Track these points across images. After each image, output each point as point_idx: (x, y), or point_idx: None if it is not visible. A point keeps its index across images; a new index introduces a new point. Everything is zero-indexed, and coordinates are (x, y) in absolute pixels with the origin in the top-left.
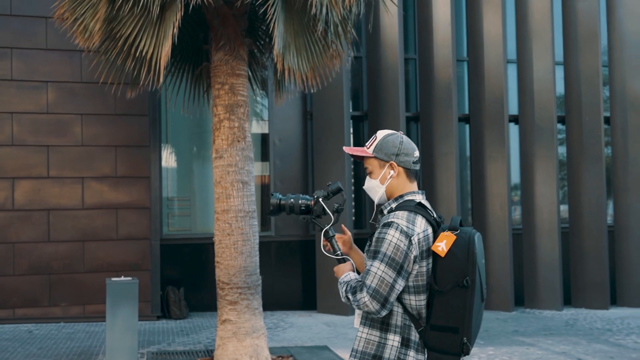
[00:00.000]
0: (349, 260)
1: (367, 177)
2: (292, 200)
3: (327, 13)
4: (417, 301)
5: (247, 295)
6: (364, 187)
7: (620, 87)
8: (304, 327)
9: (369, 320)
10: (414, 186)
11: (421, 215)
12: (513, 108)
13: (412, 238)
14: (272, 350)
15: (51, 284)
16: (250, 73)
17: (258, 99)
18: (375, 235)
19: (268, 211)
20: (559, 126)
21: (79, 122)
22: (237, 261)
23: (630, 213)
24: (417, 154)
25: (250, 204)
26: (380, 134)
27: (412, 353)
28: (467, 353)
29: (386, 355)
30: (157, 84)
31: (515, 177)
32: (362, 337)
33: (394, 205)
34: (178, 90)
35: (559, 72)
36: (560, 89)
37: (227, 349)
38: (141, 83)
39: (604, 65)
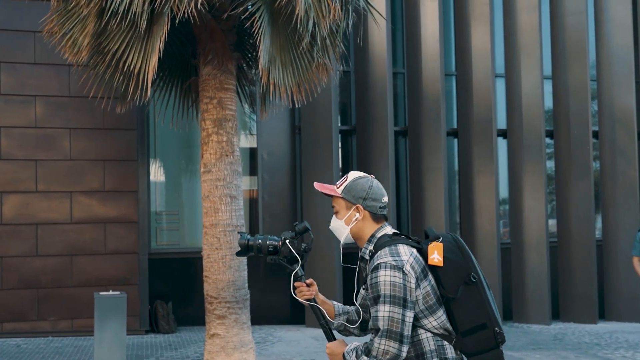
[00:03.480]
0: (333, 330)
1: (334, 217)
2: (259, 241)
3: (313, 27)
4: (436, 320)
5: (235, 309)
6: (330, 227)
7: (608, 101)
8: (292, 341)
9: None
10: (379, 225)
11: (400, 243)
12: (501, 122)
13: (403, 269)
14: None
15: (40, 299)
16: (238, 87)
17: (246, 113)
18: (368, 282)
19: (236, 252)
20: (548, 140)
21: (68, 137)
22: (226, 275)
23: (619, 227)
24: (385, 199)
25: (238, 218)
26: (352, 175)
27: None
28: (504, 341)
29: None
30: (145, 98)
31: (504, 192)
32: None
33: (371, 247)
34: (167, 105)
35: (548, 87)
36: (548, 103)
37: None
38: (129, 97)
39: (592, 79)
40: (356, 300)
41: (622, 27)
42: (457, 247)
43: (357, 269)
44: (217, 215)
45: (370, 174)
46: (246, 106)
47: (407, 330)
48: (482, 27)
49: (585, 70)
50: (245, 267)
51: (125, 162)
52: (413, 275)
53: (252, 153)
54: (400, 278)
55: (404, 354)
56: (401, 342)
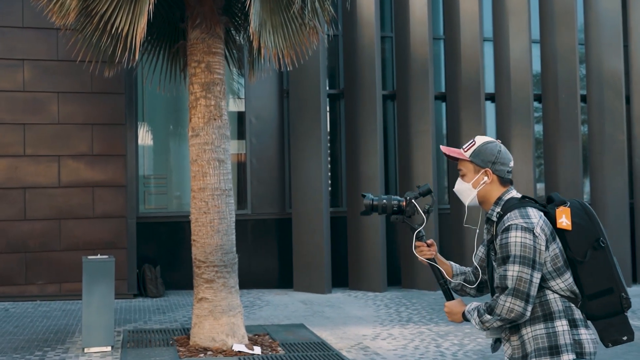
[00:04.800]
0: (452, 287)
1: (459, 179)
2: (384, 201)
3: None
4: (564, 282)
5: (223, 273)
6: (454, 189)
7: (596, 65)
8: (280, 305)
9: (529, 320)
10: (506, 189)
11: (529, 206)
12: (489, 86)
13: (534, 231)
14: (248, 328)
15: (27, 263)
16: (227, 51)
17: (234, 77)
18: (498, 243)
19: (360, 212)
20: (536, 104)
21: (56, 100)
22: (214, 239)
23: (607, 191)
24: (512, 164)
25: (226, 182)
26: (479, 139)
27: (583, 330)
28: (630, 306)
29: (561, 341)
30: (133, 61)
31: None
32: (528, 336)
33: (498, 210)
34: (155, 69)
35: (536, 50)
36: (536, 67)
37: (204, 327)
38: (117, 61)
39: (580, 43)
40: (474, 261)
41: None
42: (584, 212)
43: (477, 230)
44: (205, 179)
45: (497, 140)
46: (234, 70)
47: (534, 291)
48: None
49: (573, 34)
50: (234, 231)
51: (113, 126)
52: (543, 237)
53: (240, 117)
54: (530, 240)
55: (528, 314)
56: (527, 302)
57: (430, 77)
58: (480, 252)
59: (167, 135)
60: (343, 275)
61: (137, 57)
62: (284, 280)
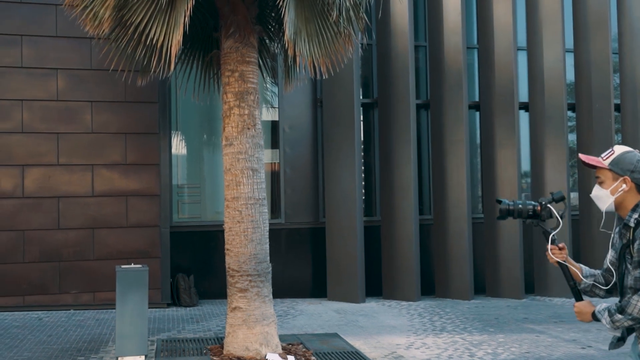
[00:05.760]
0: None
1: (597, 186)
2: (520, 205)
3: None
4: None
5: (257, 282)
6: (591, 195)
7: (630, 74)
8: (314, 314)
9: None
10: None
11: None
12: (523, 95)
13: None
14: (282, 337)
15: (61, 272)
16: (260, 60)
17: (268, 86)
18: (635, 247)
19: (497, 217)
20: (569, 113)
21: (89, 110)
22: (247, 249)
23: None
24: None
25: (260, 191)
26: (618, 149)
27: None
28: None
29: None
30: (168, 72)
31: (525, 165)
32: None
33: (636, 216)
34: (188, 78)
35: (569, 60)
36: (570, 76)
37: (237, 337)
38: (152, 71)
39: (614, 52)
40: (606, 263)
41: None
42: None
43: (612, 234)
44: (239, 188)
45: (635, 149)
46: (268, 79)
47: None
48: None
49: (607, 43)
50: (267, 240)
51: (146, 135)
52: None
53: (274, 126)
54: None
55: None
56: None
57: (464, 86)
58: (611, 255)
59: (201, 145)
60: (377, 285)
61: (172, 68)
62: (318, 289)
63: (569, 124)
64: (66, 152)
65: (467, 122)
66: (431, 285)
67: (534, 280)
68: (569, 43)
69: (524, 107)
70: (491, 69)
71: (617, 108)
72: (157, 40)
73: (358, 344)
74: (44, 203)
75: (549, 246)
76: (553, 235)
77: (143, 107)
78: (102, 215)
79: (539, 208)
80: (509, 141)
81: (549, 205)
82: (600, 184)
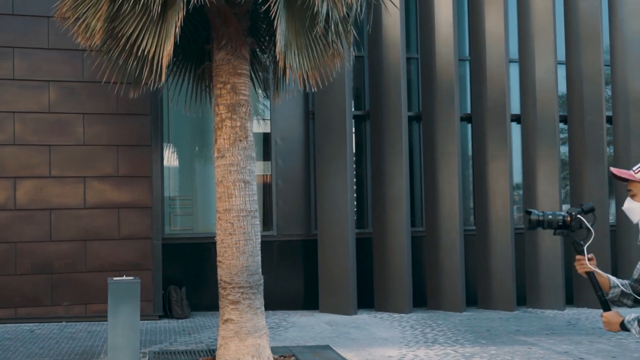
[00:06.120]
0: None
1: (628, 199)
2: (550, 216)
3: (327, 12)
4: None
5: (249, 294)
6: (623, 208)
7: (622, 86)
8: (306, 326)
9: None
10: None
11: None
12: (515, 107)
13: None
14: (274, 349)
15: (53, 284)
16: (252, 72)
17: (260, 98)
18: None
19: (527, 227)
20: (561, 125)
21: (81, 122)
22: (239, 261)
23: None
24: None
25: (252, 203)
26: None
27: None
28: None
29: None
30: (159, 83)
31: (518, 177)
32: None
33: None
34: (180, 90)
35: (561, 72)
36: (562, 88)
37: (229, 349)
38: (143, 82)
39: (606, 64)
40: (636, 273)
41: (636, 11)
42: None
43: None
44: (231, 200)
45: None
46: (260, 91)
47: None
48: (496, 11)
49: (599, 55)
50: (259, 252)
51: (138, 147)
52: None
53: (266, 138)
54: None
55: None
56: None
57: (455, 98)
58: (639, 265)
59: (193, 157)
60: (369, 297)
61: (163, 79)
62: (310, 301)
63: (561, 135)
64: (58, 164)
65: (459, 134)
66: (423, 297)
67: (526, 292)
68: (561, 55)
69: (516, 119)
70: (483, 80)
71: (609, 120)
72: (149, 52)
73: (350, 356)
74: (36, 215)
75: (578, 257)
76: (582, 246)
77: (135, 119)
78: (94, 228)
79: (569, 219)
80: (500, 153)
81: (579, 215)
82: (632, 196)
